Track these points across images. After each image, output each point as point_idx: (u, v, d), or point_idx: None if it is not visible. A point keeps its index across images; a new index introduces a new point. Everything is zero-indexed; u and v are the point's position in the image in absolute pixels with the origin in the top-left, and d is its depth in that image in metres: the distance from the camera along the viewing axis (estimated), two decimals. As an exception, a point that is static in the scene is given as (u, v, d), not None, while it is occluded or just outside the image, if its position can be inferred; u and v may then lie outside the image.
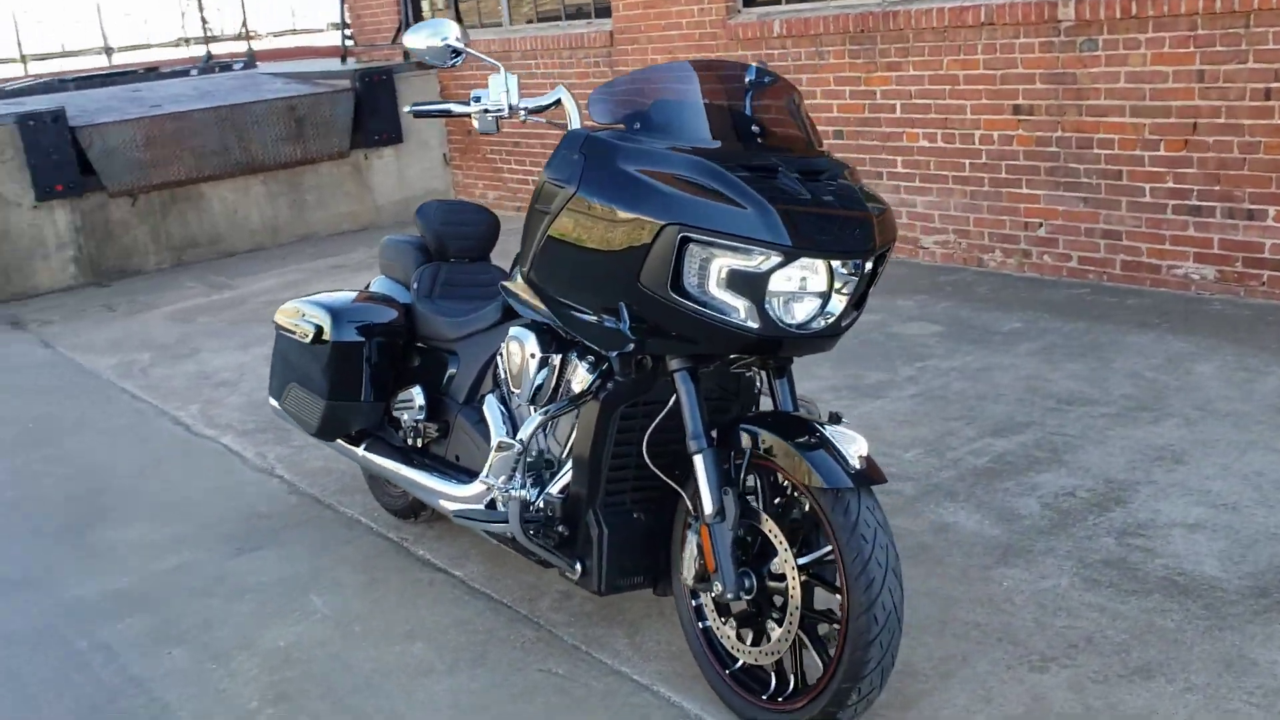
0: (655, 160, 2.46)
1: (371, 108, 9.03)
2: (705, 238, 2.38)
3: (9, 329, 7.09)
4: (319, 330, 3.45)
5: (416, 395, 3.44)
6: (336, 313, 3.46)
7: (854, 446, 2.43)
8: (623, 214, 2.45)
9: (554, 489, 2.88)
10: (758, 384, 2.90)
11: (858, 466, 2.40)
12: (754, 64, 2.76)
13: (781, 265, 2.39)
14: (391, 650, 3.11)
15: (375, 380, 3.50)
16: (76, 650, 3.24)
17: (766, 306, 2.42)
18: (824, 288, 2.47)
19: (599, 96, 2.64)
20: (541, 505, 2.87)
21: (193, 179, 8.42)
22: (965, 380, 4.59)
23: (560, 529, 2.86)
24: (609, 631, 3.08)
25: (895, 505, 3.60)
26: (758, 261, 2.39)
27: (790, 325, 2.47)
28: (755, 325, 2.44)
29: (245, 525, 3.95)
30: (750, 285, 2.41)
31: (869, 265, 2.53)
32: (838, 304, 2.51)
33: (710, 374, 2.71)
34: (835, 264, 2.47)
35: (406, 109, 2.98)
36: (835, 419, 3.07)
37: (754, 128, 2.61)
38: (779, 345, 2.53)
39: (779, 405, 2.70)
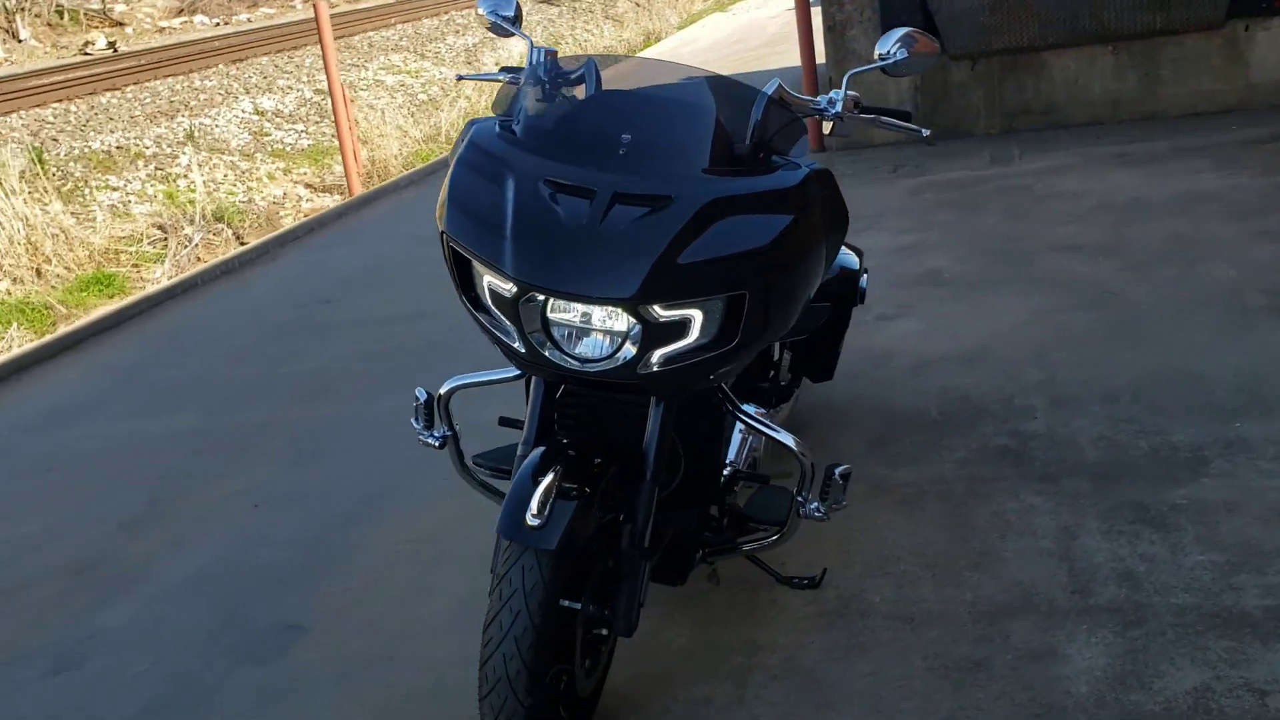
0: (474, 161, 2.43)
1: (1264, -29, 7.71)
2: (462, 251, 2.35)
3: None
4: None
5: None
6: None
7: (536, 500, 2.22)
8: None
9: None
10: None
11: (529, 524, 2.21)
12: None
13: (521, 295, 2.27)
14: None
15: None
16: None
17: (528, 334, 2.31)
18: (619, 327, 2.27)
19: (508, 85, 2.58)
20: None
21: (1034, 46, 8.22)
22: None
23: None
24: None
25: (1039, 613, 2.75)
26: (508, 286, 2.29)
27: (572, 358, 2.31)
28: (522, 350, 2.34)
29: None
30: (508, 309, 2.32)
31: (663, 311, 2.22)
32: (629, 349, 2.26)
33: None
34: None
35: (455, 76, 3.11)
36: (829, 475, 2.64)
37: (626, 137, 2.35)
38: (570, 379, 2.37)
39: (646, 436, 2.47)
